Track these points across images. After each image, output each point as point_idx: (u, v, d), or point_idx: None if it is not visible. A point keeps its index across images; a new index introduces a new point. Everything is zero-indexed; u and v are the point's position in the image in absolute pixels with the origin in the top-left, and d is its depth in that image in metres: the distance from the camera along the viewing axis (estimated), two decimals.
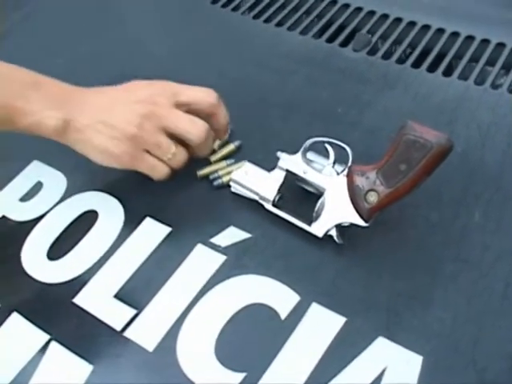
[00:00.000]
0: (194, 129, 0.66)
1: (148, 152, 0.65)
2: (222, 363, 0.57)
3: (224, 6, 0.94)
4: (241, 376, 0.56)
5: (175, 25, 0.93)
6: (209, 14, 0.94)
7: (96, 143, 0.65)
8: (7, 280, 0.66)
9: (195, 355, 0.58)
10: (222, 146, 0.73)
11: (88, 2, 1.00)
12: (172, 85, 0.68)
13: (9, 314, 0.62)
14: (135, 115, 0.64)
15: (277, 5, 0.93)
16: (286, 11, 0.92)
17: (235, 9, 0.94)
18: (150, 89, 0.66)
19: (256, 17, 0.92)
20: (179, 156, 0.67)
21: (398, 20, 0.88)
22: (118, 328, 0.60)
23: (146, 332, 0.59)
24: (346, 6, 0.91)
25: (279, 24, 0.90)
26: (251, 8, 0.93)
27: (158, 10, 0.97)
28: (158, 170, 0.67)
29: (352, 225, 0.61)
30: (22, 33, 0.95)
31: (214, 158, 0.72)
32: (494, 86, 0.78)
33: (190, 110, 0.67)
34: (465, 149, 0.70)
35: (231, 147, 0.72)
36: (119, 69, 0.84)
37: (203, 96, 0.67)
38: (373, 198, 0.60)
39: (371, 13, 0.90)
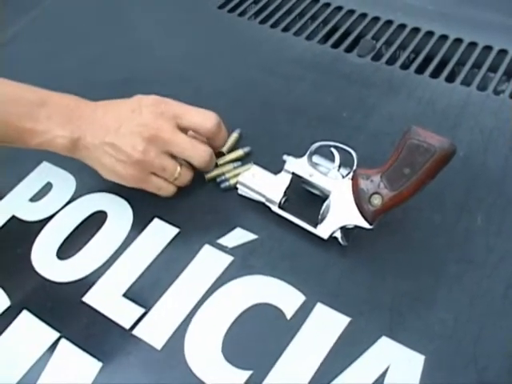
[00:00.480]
0: (196, 154, 0.68)
1: (154, 173, 0.67)
2: (229, 361, 0.58)
3: (231, 10, 0.96)
4: (247, 374, 0.57)
5: (182, 29, 0.94)
6: (216, 18, 0.95)
7: (104, 163, 0.67)
8: (17, 279, 0.67)
9: (202, 353, 0.59)
10: (230, 151, 0.74)
11: (95, 6, 1.01)
12: (173, 106, 0.68)
13: (19, 312, 0.63)
14: (140, 139, 0.65)
15: (283, 10, 0.95)
16: (292, 16, 0.93)
17: (242, 14, 0.95)
18: (153, 109, 0.67)
19: (262, 22, 0.93)
20: (184, 176, 0.69)
21: (402, 26, 0.89)
22: (127, 326, 0.61)
23: (155, 330, 0.61)
24: (351, 12, 0.93)
25: (285, 29, 0.92)
26: (258, 13, 0.95)
27: (165, 15, 0.98)
28: (164, 190, 0.69)
29: (356, 227, 0.62)
30: (29, 36, 0.97)
31: (221, 161, 0.73)
32: (496, 92, 0.79)
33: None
34: (467, 153, 0.71)
35: (240, 153, 0.74)
36: (127, 72, 0.86)
37: (202, 122, 0.68)
38: (377, 200, 0.61)
39: (376, 19, 0.91)
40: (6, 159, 0.76)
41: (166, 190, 0.69)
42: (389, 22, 0.90)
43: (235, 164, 0.72)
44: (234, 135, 0.75)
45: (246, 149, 0.74)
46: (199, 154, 0.68)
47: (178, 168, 0.68)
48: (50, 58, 0.91)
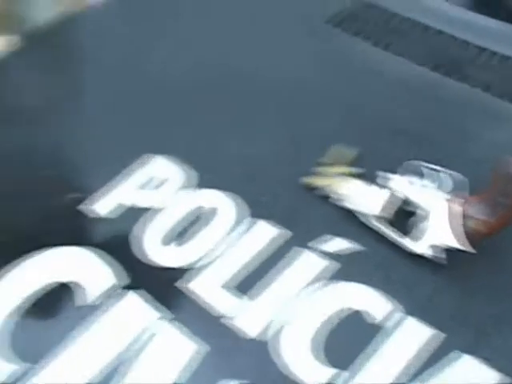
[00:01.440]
0: None
1: None
2: (317, 359, 0.61)
3: (337, 25, 0.99)
4: (333, 372, 0.60)
5: (291, 44, 0.96)
6: (323, 34, 0.98)
7: None
8: (124, 263, 0.70)
9: (291, 348, 0.62)
10: (342, 164, 0.76)
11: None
12: None
13: (126, 293, 0.67)
14: None
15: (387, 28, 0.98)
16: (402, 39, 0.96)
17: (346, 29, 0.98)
18: None
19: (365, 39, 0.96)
20: None
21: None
22: (224, 315, 0.65)
23: (249, 322, 0.64)
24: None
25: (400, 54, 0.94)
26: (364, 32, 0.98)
27: (272, 28, 1.00)
28: None
29: (451, 247, 0.65)
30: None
31: (323, 170, 0.76)
32: None
33: None
34: None
35: (347, 170, 0.75)
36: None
37: None
38: (474, 225, 0.63)
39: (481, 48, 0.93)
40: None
41: None
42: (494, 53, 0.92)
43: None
44: (350, 153, 0.77)
45: (356, 170, 0.75)
46: None
47: None
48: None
